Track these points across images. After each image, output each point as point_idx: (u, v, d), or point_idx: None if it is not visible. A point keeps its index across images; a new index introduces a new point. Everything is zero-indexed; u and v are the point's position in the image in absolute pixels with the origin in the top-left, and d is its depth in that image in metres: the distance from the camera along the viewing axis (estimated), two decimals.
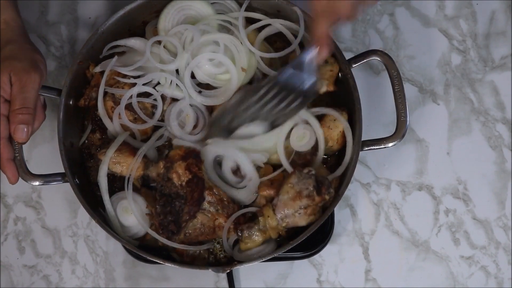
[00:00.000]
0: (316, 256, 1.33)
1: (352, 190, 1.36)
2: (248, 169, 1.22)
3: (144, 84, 1.25)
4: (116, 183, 1.25)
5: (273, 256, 1.16)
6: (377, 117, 1.37)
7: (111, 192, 1.24)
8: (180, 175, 1.17)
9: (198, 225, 1.19)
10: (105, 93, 1.26)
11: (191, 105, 1.26)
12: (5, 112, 1.14)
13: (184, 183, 1.17)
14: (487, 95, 1.40)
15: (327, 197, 1.17)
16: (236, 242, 1.22)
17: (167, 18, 1.29)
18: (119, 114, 1.24)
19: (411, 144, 1.38)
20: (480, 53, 1.42)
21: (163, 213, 1.17)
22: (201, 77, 1.27)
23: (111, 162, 1.20)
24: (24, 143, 1.16)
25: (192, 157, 1.18)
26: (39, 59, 1.19)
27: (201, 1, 1.29)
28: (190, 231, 1.18)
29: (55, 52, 1.43)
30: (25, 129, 1.14)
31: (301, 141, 1.24)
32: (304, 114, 1.24)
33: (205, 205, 1.19)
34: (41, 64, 1.18)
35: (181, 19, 1.29)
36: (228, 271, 1.18)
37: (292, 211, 1.17)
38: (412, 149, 1.38)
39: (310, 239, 1.19)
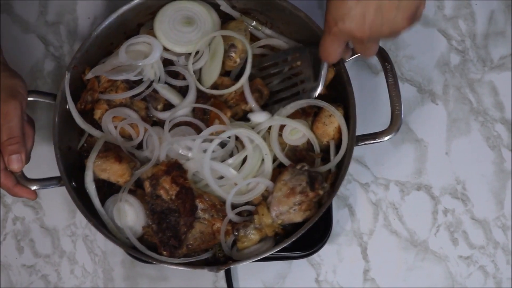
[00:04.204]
0: (314, 256, 1.33)
1: (351, 190, 1.36)
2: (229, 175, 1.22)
3: (134, 82, 1.24)
4: (115, 184, 1.24)
5: (270, 253, 1.16)
6: (375, 117, 1.37)
7: (111, 193, 1.24)
8: (167, 189, 1.17)
9: (198, 234, 1.19)
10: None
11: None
12: None
13: (173, 197, 1.17)
14: (486, 95, 1.40)
15: (321, 192, 1.17)
16: (235, 242, 1.22)
17: (164, 17, 1.29)
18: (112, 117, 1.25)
19: (409, 144, 1.38)
20: (479, 53, 1.42)
21: (161, 230, 1.17)
22: None
23: (97, 169, 1.20)
24: (21, 170, 1.16)
25: (175, 169, 1.18)
26: (18, 83, 1.17)
27: (203, 7, 1.30)
28: (191, 242, 1.19)
29: (54, 52, 1.44)
30: (18, 158, 1.14)
31: (294, 136, 1.24)
32: (280, 120, 1.24)
33: (199, 213, 1.19)
34: (20, 88, 1.17)
35: (177, 18, 1.29)
36: (223, 269, 1.17)
37: (286, 208, 1.17)
38: (411, 149, 1.38)
39: (308, 239, 1.19)
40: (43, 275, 1.35)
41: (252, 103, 1.25)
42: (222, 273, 1.32)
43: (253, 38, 1.33)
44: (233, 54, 1.27)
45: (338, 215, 1.35)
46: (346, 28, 1.02)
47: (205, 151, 1.20)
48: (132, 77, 1.23)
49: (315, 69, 1.24)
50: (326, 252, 1.33)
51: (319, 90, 1.23)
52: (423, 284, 1.33)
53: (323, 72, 1.21)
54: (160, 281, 1.34)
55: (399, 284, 1.33)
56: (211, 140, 1.20)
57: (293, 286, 1.34)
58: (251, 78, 1.27)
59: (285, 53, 1.30)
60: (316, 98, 1.25)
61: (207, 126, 1.23)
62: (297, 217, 1.18)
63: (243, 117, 1.27)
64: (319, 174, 1.19)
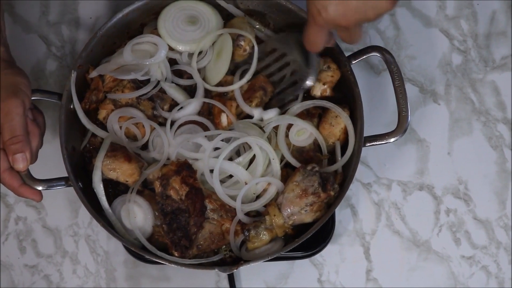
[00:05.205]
0: (317, 256, 1.33)
1: (353, 190, 1.36)
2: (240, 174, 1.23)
3: (141, 82, 1.24)
4: (120, 185, 1.24)
5: (280, 253, 1.16)
6: (378, 117, 1.37)
7: (116, 194, 1.24)
8: (177, 190, 1.17)
9: (207, 235, 1.19)
10: (105, 96, 1.26)
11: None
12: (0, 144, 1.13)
13: (183, 197, 1.17)
14: (487, 95, 1.41)
15: (332, 193, 1.17)
16: (243, 242, 1.22)
17: (168, 15, 1.29)
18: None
19: (412, 144, 1.38)
20: (481, 53, 1.42)
21: (171, 230, 1.17)
22: None
23: (106, 168, 1.20)
24: (26, 169, 1.14)
25: (185, 169, 1.18)
26: (20, 81, 1.15)
27: (207, 7, 1.30)
28: (201, 242, 1.19)
29: (56, 52, 1.43)
30: (23, 157, 1.12)
31: (300, 136, 1.24)
32: (289, 119, 1.24)
33: (209, 213, 1.19)
34: (23, 86, 1.15)
35: (181, 17, 1.29)
36: (235, 270, 1.17)
37: (298, 209, 1.17)
38: (413, 149, 1.38)
39: (311, 239, 1.18)
40: (45, 275, 1.35)
41: (246, 109, 1.25)
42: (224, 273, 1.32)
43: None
44: (242, 43, 1.27)
45: (341, 215, 1.35)
46: (330, 16, 1.01)
47: (215, 150, 1.21)
48: (139, 76, 1.23)
49: (306, 56, 1.22)
50: (329, 252, 1.33)
51: (314, 76, 1.22)
52: (425, 284, 1.33)
53: (314, 57, 1.21)
54: (163, 281, 1.34)
55: (402, 284, 1.33)
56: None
57: (295, 286, 1.33)
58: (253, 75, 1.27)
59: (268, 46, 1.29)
60: (321, 100, 1.25)
61: (213, 125, 1.25)
62: (308, 218, 1.18)
63: (248, 115, 1.27)
64: (330, 175, 1.19)
